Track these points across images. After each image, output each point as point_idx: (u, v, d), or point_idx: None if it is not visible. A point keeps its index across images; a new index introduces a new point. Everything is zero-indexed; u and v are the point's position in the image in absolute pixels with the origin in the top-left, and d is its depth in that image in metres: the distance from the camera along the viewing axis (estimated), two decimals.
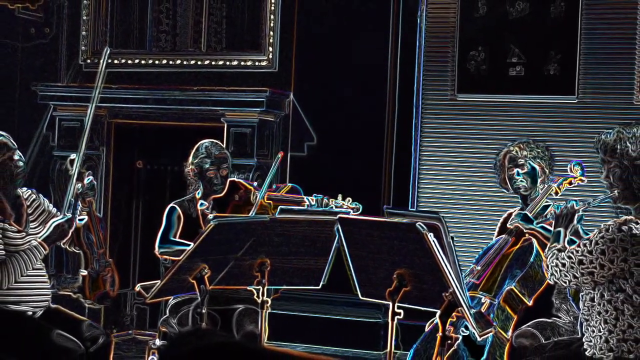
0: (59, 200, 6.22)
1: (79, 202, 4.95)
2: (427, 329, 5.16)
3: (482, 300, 5.10)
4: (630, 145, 4.16)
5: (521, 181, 5.29)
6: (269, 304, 4.66)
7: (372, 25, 7.47)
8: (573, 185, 5.21)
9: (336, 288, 4.82)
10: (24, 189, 4.95)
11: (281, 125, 7.71)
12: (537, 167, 5.30)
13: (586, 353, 4.18)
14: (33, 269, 4.73)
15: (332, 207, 5.44)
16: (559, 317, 5.09)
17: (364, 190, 6.39)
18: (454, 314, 4.06)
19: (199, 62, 8.04)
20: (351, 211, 5.39)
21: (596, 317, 4.15)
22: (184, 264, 4.41)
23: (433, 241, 3.99)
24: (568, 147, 6.62)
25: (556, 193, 5.20)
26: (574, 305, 4.94)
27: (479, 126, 7.25)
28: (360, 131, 7.48)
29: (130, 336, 7.73)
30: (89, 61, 8.22)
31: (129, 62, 8.17)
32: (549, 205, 5.13)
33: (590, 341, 4.17)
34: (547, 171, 5.32)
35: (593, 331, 4.16)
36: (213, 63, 8.00)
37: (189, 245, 4.67)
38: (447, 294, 4.02)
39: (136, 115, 8.05)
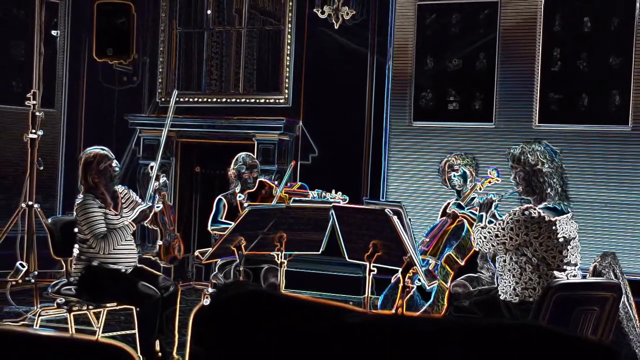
0: (143, 194, 6.20)
1: (157, 195, 4.94)
2: (392, 280, 5.16)
3: (430, 262, 5.09)
4: (530, 156, 4.16)
5: (456, 181, 5.28)
6: (285, 264, 4.67)
7: (356, 74, 7.47)
8: (492, 184, 5.20)
9: (331, 253, 4.81)
10: (119, 186, 4.94)
11: (293, 143, 7.71)
12: (467, 171, 5.28)
13: (500, 298, 4.17)
14: (125, 240, 4.72)
15: (328, 199, 5.43)
16: (482, 273, 5.08)
17: (350, 186, 6.37)
18: (410, 270, 4.06)
19: (238, 100, 8.03)
20: (341, 201, 5.39)
21: (507, 273, 4.15)
22: (227, 237, 4.41)
23: (397, 221, 3.99)
24: (488, 157, 6.61)
25: (480, 189, 5.19)
26: (492, 265, 4.93)
27: (428, 143, 7.25)
28: (347, 146, 7.49)
29: (191, 286, 7.71)
30: (163, 99, 8.21)
31: (191, 99, 8.16)
32: (475, 197, 5.13)
33: (503, 289, 4.17)
34: (474, 174, 5.31)
35: (505, 283, 4.16)
36: (247, 100, 7.99)
37: (230, 224, 4.66)
38: (406, 257, 4.02)
39: (195, 136, 8.04)
